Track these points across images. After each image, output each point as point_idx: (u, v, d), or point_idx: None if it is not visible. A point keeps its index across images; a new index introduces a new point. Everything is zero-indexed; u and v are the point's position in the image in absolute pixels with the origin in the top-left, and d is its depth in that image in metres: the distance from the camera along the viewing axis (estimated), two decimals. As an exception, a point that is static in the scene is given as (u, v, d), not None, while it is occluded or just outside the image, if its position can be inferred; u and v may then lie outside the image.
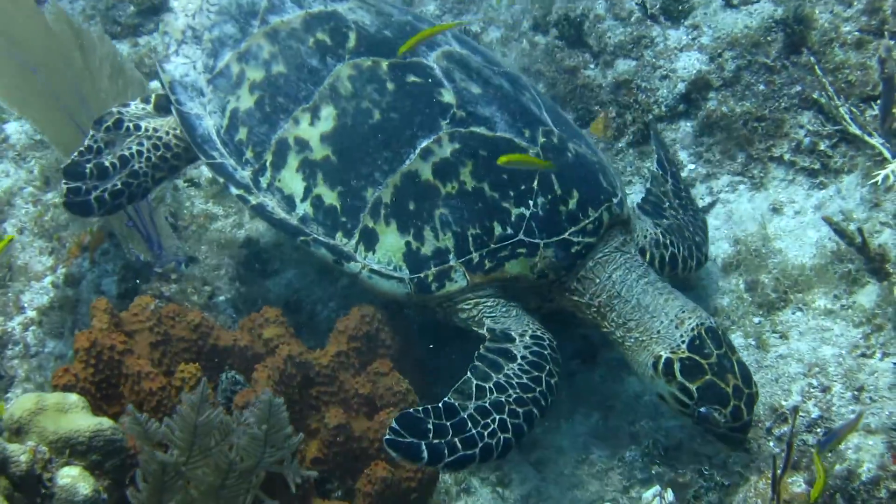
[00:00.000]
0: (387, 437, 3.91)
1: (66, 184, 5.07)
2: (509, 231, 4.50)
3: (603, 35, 6.09)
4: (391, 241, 4.56)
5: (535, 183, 4.53)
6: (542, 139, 4.66)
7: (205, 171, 6.42)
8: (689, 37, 5.91)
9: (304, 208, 4.72)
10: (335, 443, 4.21)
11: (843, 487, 4.03)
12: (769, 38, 5.64)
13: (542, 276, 4.58)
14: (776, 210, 5.42)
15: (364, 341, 4.56)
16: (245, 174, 4.89)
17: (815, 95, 5.39)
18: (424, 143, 4.57)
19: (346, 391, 4.40)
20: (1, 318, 6.07)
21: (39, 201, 6.80)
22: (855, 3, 5.48)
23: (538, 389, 4.31)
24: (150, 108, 5.28)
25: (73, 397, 3.50)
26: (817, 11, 5.52)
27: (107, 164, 5.08)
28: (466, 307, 4.67)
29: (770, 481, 4.05)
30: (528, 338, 4.53)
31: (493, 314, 4.66)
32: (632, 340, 4.57)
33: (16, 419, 3.41)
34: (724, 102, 5.70)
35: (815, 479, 4.04)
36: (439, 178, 4.53)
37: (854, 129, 5.01)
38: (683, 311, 4.50)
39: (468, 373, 4.34)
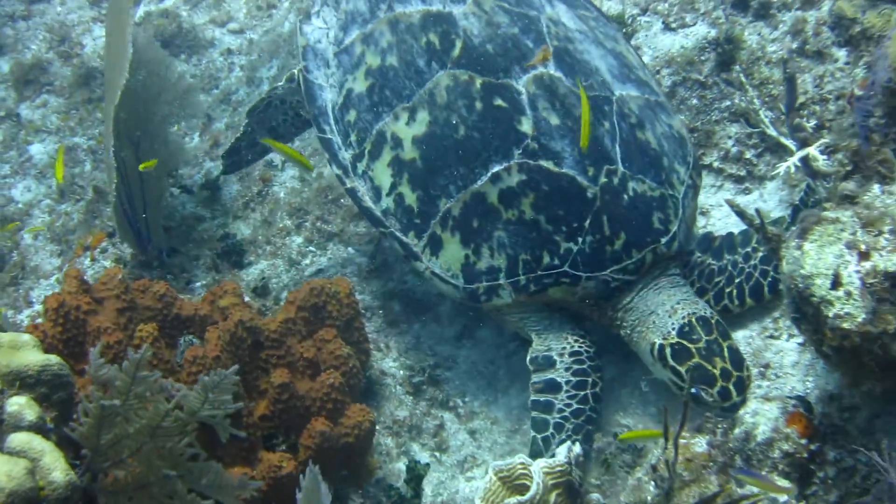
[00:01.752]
0: None
1: (223, 157, 6.33)
2: (556, 262, 4.88)
3: (553, 54, 6.55)
4: (453, 251, 5.01)
5: (587, 222, 4.86)
6: (603, 179, 4.88)
7: (197, 178, 7.01)
8: (632, 56, 6.38)
9: (387, 202, 5.15)
10: (280, 400, 4.59)
11: (741, 448, 4.28)
12: (702, 58, 6.11)
13: (583, 300, 5.00)
14: (704, 214, 5.82)
15: (312, 312, 4.97)
16: (346, 156, 5.31)
17: (738, 101, 5.84)
18: (496, 169, 4.91)
19: (293, 355, 4.79)
20: (12, 311, 6.72)
21: (54, 211, 7.48)
22: (780, 26, 5.97)
23: (588, 407, 4.87)
24: (293, 85, 5.79)
25: (26, 336, 3.76)
26: (746, 33, 6.00)
27: (258, 139, 6.01)
28: (512, 319, 5.18)
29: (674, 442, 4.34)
30: (567, 356, 4.97)
31: (537, 328, 5.11)
32: (637, 335, 4.96)
33: (-29, 356, 3.65)
34: (661, 115, 6.14)
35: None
36: (503, 203, 4.90)
37: (771, 131, 5.45)
38: (679, 303, 4.89)
39: (530, 426, 4.89)
